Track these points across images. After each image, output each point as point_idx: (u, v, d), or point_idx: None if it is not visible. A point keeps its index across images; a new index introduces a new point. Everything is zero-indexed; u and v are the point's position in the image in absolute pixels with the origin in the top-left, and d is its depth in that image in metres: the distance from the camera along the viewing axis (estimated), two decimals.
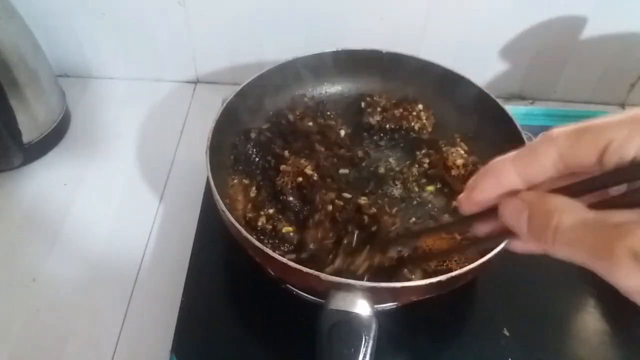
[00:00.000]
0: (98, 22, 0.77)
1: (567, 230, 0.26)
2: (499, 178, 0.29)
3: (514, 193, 0.29)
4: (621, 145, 0.25)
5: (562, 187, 0.28)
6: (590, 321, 0.57)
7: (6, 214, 0.67)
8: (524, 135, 0.57)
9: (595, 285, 0.59)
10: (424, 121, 0.66)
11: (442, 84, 0.66)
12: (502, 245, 0.45)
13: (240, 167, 0.61)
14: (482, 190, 0.30)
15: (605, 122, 0.25)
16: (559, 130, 0.27)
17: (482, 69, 0.81)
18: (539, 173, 0.28)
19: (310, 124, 0.65)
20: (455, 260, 0.53)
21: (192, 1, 0.74)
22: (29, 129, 0.69)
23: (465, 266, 0.45)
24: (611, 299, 0.58)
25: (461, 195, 0.32)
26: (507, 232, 0.30)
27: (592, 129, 0.26)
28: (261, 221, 0.55)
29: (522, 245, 0.30)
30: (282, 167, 0.59)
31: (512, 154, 0.29)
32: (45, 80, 0.70)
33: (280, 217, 0.56)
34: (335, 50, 0.67)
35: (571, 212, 0.26)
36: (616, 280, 0.24)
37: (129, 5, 0.75)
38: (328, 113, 0.68)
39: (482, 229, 0.34)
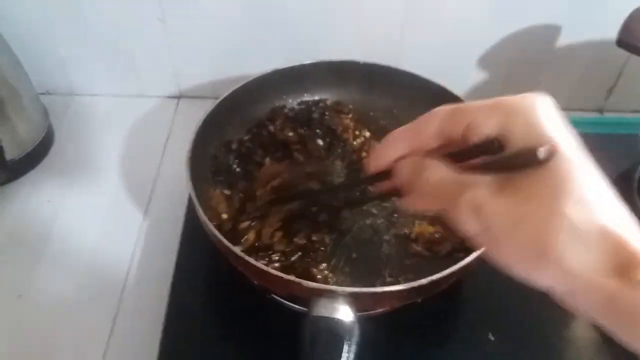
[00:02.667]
0: (79, 39, 0.78)
1: (432, 183, 0.32)
2: (395, 146, 0.36)
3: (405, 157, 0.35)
4: (479, 125, 0.30)
5: (443, 155, 0.33)
6: (577, 326, 0.57)
7: None
8: None
9: None
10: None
11: (421, 94, 0.66)
12: (479, 252, 0.46)
13: (222, 178, 0.62)
14: (382, 155, 0.37)
15: (472, 105, 0.32)
16: (441, 108, 0.33)
17: (461, 78, 0.82)
18: (423, 142, 0.34)
19: (291, 134, 0.65)
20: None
21: (172, 17, 0.75)
22: (11, 147, 0.69)
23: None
24: None
25: (367, 159, 0.40)
26: (397, 190, 0.37)
27: (461, 110, 0.32)
28: (244, 230, 0.55)
29: (407, 202, 0.36)
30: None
31: (405, 126, 0.36)
32: (26, 98, 0.70)
33: (263, 225, 0.56)
34: (313, 61, 0.68)
35: (437, 170, 0.32)
36: (459, 225, 0.31)
37: (110, 22, 0.76)
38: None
39: (382, 186, 0.40)
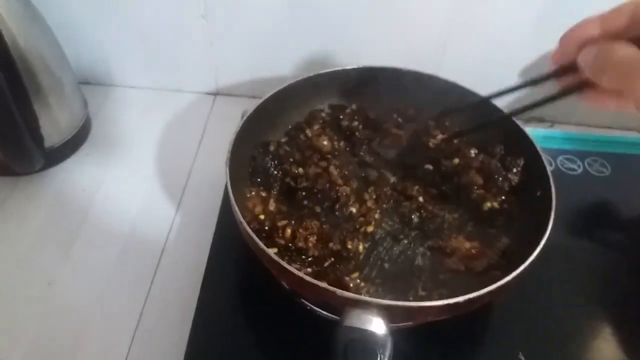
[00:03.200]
0: (122, 31, 0.79)
1: (620, 59, 0.33)
2: (583, 30, 0.37)
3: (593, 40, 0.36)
4: None
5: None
6: (608, 349, 0.56)
7: (26, 217, 0.67)
8: (544, 158, 0.57)
9: (615, 313, 0.58)
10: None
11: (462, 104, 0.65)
12: (521, 269, 0.45)
13: (258, 179, 0.61)
14: (570, 41, 0.38)
15: None
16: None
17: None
18: (613, 27, 0.36)
19: (325, 142, 0.65)
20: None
21: (215, 14, 0.75)
22: (51, 134, 0.70)
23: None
24: (631, 328, 0.57)
25: (552, 51, 0.40)
26: (581, 84, 0.38)
27: None
28: (279, 233, 0.55)
29: (593, 97, 0.38)
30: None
31: (592, 15, 0.37)
32: (68, 87, 0.71)
33: (299, 229, 0.56)
34: (355, 67, 0.67)
35: (625, 48, 0.33)
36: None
37: (152, 16, 0.76)
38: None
39: (565, 80, 0.42)
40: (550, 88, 0.46)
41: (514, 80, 0.78)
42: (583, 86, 0.39)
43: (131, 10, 0.76)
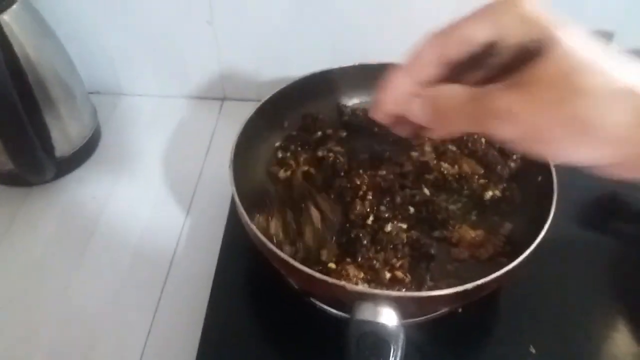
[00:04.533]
0: (129, 40, 0.80)
1: (454, 106, 0.32)
2: (395, 88, 0.36)
3: (410, 95, 0.35)
4: (472, 34, 0.32)
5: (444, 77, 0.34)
6: (622, 341, 0.55)
7: (38, 226, 0.68)
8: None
9: (627, 305, 0.58)
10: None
11: None
12: (526, 254, 0.46)
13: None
14: (388, 99, 0.37)
15: (459, 20, 0.33)
16: (428, 35, 0.35)
17: None
18: (424, 72, 0.35)
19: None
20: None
21: (221, 20, 0.76)
22: (62, 144, 0.71)
23: None
24: None
25: (372, 110, 0.39)
26: (420, 128, 0.37)
27: (450, 28, 0.33)
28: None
29: (432, 133, 0.36)
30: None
31: (397, 66, 0.36)
32: (78, 97, 0.72)
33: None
34: (353, 64, 0.68)
35: (453, 91, 0.32)
36: (495, 135, 0.31)
37: (159, 24, 0.77)
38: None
39: (402, 132, 0.40)
40: None
41: None
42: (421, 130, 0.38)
43: (138, 19, 0.77)
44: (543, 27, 0.30)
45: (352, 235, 0.55)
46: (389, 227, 0.56)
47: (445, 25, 0.34)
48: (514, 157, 0.62)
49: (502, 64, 0.31)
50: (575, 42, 0.29)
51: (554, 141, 0.29)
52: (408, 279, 0.53)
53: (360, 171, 0.61)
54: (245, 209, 0.51)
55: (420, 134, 0.39)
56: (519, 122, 0.29)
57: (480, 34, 0.32)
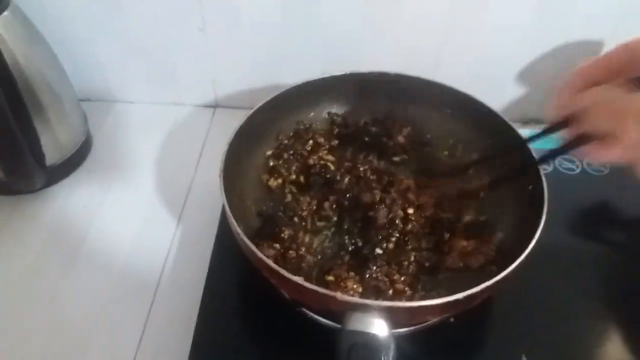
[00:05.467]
0: (121, 47, 0.80)
1: (606, 101, 0.35)
2: (584, 81, 0.38)
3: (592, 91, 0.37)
4: None
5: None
6: (612, 349, 0.55)
7: (28, 235, 0.68)
8: (533, 152, 0.57)
9: (618, 312, 0.58)
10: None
11: (457, 107, 0.66)
12: (516, 263, 0.45)
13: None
14: (573, 92, 0.38)
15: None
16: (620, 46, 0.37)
17: (498, 93, 0.81)
18: (615, 72, 0.36)
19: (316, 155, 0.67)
20: None
21: (213, 27, 0.76)
22: (52, 152, 0.70)
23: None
24: (634, 326, 0.57)
25: (551, 105, 0.41)
26: (582, 138, 0.39)
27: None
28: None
29: (595, 152, 0.38)
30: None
31: (590, 60, 0.38)
32: (68, 104, 0.72)
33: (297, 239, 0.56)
34: (342, 73, 0.68)
35: (626, 98, 0.34)
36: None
37: (150, 31, 0.77)
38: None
39: (567, 133, 0.42)
40: None
41: (509, 84, 0.79)
42: (583, 139, 0.39)
43: (130, 26, 0.77)
44: None
45: (366, 252, 0.56)
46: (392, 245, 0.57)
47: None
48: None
49: None
50: None
51: None
52: (409, 292, 0.53)
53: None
54: (236, 218, 0.51)
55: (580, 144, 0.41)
56: None
57: None
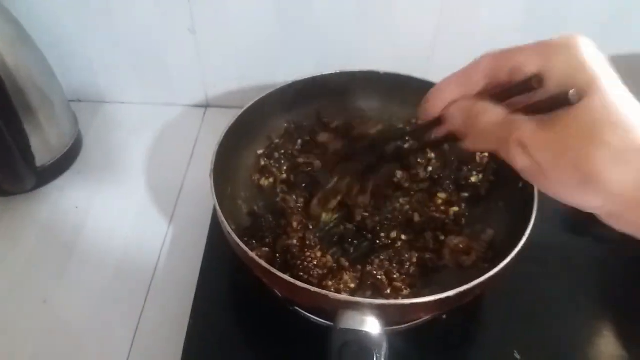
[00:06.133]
0: (111, 48, 0.79)
1: (485, 126, 0.36)
2: (448, 90, 0.39)
3: (455, 101, 0.39)
4: (523, 64, 0.34)
5: (491, 95, 0.37)
6: (607, 346, 0.56)
7: (19, 237, 0.67)
8: None
9: (611, 309, 0.58)
10: None
11: None
12: (507, 260, 0.46)
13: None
14: (437, 100, 0.40)
15: (517, 48, 0.35)
16: (488, 53, 0.37)
17: None
18: (473, 84, 0.38)
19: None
20: None
21: (203, 28, 0.76)
22: (42, 153, 0.70)
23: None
24: (627, 324, 0.57)
25: (419, 108, 0.42)
26: (451, 136, 0.40)
27: (507, 53, 0.36)
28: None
29: (464, 145, 0.39)
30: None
31: (454, 73, 0.39)
32: (58, 105, 0.72)
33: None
34: (333, 72, 0.68)
35: (490, 112, 0.36)
36: (510, 161, 0.34)
37: (140, 31, 0.77)
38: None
39: (436, 133, 0.44)
40: None
41: None
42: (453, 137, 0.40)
43: (119, 27, 0.76)
44: (589, 75, 0.31)
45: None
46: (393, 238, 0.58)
47: (501, 49, 0.37)
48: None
49: (543, 99, 0.33)
50: (613, 95, 0.31)
51: (560, 183, 0.32)
52: (407, 291, 0.53)
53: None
54: (227, 218, 0.51)
55: (450, 141, 0.43)
56: (533, 155, 0.32)
57: (530, 66, 0.34)
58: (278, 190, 0.64)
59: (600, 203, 0.31)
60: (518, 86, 0.35)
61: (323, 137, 0.67)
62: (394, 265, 0.55)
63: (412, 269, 0.55)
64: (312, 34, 0.76)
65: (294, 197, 0.61)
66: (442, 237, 0.58)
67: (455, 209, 0.61)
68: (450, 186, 0.63)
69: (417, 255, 0.56)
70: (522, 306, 0.58)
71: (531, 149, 0.32)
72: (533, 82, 0.33)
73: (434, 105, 0.40)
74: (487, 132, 0.36)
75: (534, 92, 0.34)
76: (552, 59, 0.33)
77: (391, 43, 0.76)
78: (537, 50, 0.34)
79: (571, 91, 0.30)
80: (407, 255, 0.55)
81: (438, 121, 0.41)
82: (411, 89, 0.67)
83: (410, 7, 0.72)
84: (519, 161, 0.33)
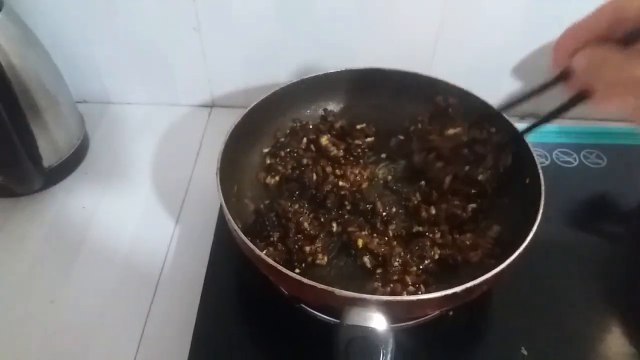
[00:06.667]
0: (116, 49, 0.80)
1: (618, 72, 0.33)
2: (573, 40, 0.37)
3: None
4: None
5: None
6: (613, 341, 0.55)
7: (26, 237, 0.68)
8: (534, 153, 0.57)
9: (616, 304, 0.58)
10: None
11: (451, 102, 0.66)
12: (514, 256, 0.45)
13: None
14: (563, 50, 0.38)
15: None
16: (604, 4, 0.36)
17: (494, 87, 0.81)
18: (601, 31, 0.36)
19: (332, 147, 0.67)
20: None
21: (207, 27, 0.76)
22: (49, 154, 0.70)
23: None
24: (633, 318, 0.57)
25: (552, 55, 0.40)
26: (581, 94, 0.38)
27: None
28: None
29: (596, 103, 0.37)
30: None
31: (579, 20, 0.38)
32: (65, 106, 0.72)
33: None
34: (337, 70, 0.69)
35: (613, 55, 0.34)
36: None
37: (145, 32, 0.77)
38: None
39: (567, 88, 0.42)
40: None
41: (505, 78, 0.79)
42: (584, 95, 0.39)
43: (125, 27, 0.77)
44: None
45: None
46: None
47: None
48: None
49: None
50: None
51: None
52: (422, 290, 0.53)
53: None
54: (233, 216, 0.51)
55: (580, 100, 0.41)
56: None
57: None
58: (284, 188, 0.64)
59: None
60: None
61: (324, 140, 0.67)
62: (415, 259, 0.55)
63: (430, 265, 0.55)
64: (316, 32, 0.76)
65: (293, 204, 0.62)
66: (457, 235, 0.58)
67: (474, 205, 0.60)
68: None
69: (439, 252, 0.56)
70: (528, 302, 0.58)
71: None
72: None
73: (564, 53, 0.38)
74: (620, 81, 0.34)
75: None
76: None
77: (394, 40, 0.76)
78: None
79: None
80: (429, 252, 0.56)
81: (566, 74, 0.39)
82: (417, 86, 0.67)
83: (413, 4, 0.72)
84: None
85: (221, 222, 0.65)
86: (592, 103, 0.37)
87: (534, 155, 0.56)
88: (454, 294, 0.43)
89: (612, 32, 0.36)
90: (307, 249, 0.56)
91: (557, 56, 0.39)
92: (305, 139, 0.68)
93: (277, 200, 0.61)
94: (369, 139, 0.68)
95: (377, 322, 0.42)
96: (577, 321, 0.57)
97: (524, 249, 0.47)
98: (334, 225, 0.59)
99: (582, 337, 0.56)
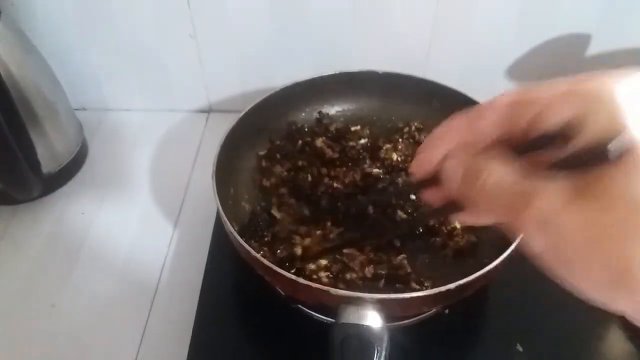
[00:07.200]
0: (114, 57, 0.80)
1: (491, 190, 0.27)
2: (447, 138, 0.31)
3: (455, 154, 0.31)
4: (551, 114, 0.26)
5: (502, 148, 0.29)
6: (609, 337, 0.56)
7: (26, 244, 0.68)
8: None
9: None
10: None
11: (447, 104, 0.67)
12: (507, 252, 0.46)
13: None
14: (431, 151, 0.32)
15: (543, 92, 0.27)
16: (504, 94, 0.29)
17: (488, 89, 0.81)
18: (480, 133, 0.30)
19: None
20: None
21: (203, 34, 0.77)
22: (48, 161, 0.71)
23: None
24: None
25: (411, 161, 0.35)
26: (450, 204, 0.32)
27: (530, 97, 0.28)
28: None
29: (463, 217, 0.32)
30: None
31: (458, 116, 0.31)
32: (63, 114, 0.73)
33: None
34: (332, 73, 0.69)
35: (500, 170, 0.27)
36: (523, 240, 0.26)
37: (142, 39, 0.78)
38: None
39: (432, 198, 0.35)
40: None
41: (499, 79, 0.80)
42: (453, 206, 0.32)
43: (121, 35, 0.77)
44: (628, 127, 0.23)
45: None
46: None
47: (520, 90, 0.28)
48: None
49: (571, 154, 0.25)
50: None
51: (588, 277, 0.25)
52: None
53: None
54: (230, 219, 0.51)
55: (450, 211, 0.34)
56: (556, 237, 0.24)
57: (560, 117, 0.26)
58: (280, 191, 0.64)
59: (633, 309, 0.25)
60: (541, 139, 0.27)
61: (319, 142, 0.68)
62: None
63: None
64: (311, 36, 0.77)
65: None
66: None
67: None
68: None
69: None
70: (524, 299, 0.58)
71: (556, 230, 0.24)
72: (567, 131, 0.25)
73: (429, 157, 0.32)
74: (494, 198, 0.27)
75: (559, 147, 0.26)
76: (588, 110, 0.25)
77: (388, 43, 0.77)
78: (570, 97, 0.26)
79: (610, 144, 0.23)
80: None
81: (434, 180, 0.32)
82: (411, 88, 0.68)
83: (407, 7, 0.73)
84: (536, 242, 0.25)
85: (219, 225, 0.66)
86: (461, 217, 0.32)
87: None
88: (448, 290, 0.43)
89: (497, 138, 0.29)
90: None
91: (422, 158, 0.33)
92: (300, 142, 0.68)
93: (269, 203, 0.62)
94: (363, 141, 0.68)
95: (372, 320, 0.43)
96: (572, 317, 0.57)
97: (518, 245, 0.47)
98: (329, 224, 0.59)
99: (577, 333, 0.56)
